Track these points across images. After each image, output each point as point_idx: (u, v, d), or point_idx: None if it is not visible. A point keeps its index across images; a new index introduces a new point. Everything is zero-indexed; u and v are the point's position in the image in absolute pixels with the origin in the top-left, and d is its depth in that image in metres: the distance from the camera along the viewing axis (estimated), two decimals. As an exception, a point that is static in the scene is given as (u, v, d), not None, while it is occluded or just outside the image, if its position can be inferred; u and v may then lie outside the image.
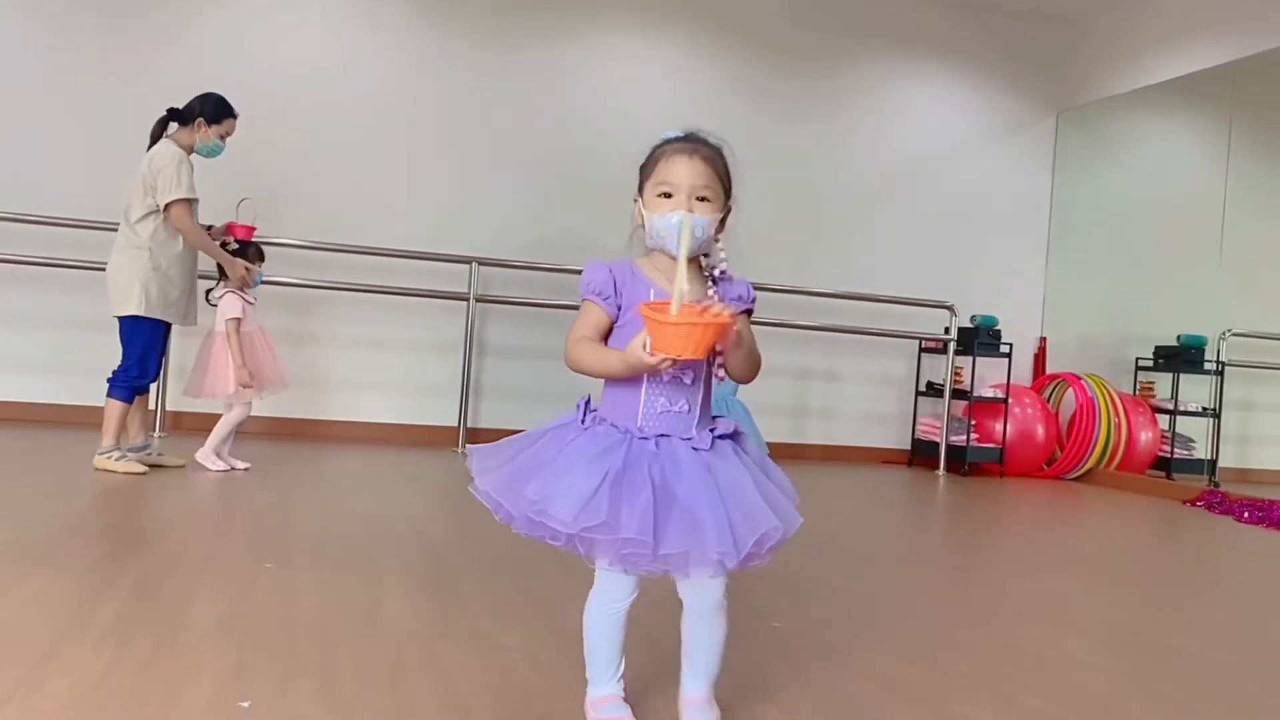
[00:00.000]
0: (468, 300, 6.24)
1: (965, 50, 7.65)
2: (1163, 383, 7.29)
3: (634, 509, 1.57)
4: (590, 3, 6.84)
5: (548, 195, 6.68)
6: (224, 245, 4.67)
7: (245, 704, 1.75)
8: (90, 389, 5.73)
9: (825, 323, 7.05)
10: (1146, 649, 2.70)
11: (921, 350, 7.44)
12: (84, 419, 5.65)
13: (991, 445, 7.08)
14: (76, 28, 6.02)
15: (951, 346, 7.13)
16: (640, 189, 1.78)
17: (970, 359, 7.13)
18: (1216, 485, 6.71)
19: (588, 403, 1.77)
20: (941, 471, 7.02)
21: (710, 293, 1.75)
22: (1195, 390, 7.16)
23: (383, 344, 6.43)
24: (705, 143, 1.77)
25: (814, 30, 7.32)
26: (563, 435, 1.72)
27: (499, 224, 6.61)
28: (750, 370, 1.80)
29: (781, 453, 7.04)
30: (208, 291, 4.70)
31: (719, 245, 1.80)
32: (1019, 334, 7.51)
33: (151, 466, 4.48)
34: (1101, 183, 7.89)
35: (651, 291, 1.74)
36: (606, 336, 1.76)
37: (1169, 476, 7.01)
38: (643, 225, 1.76)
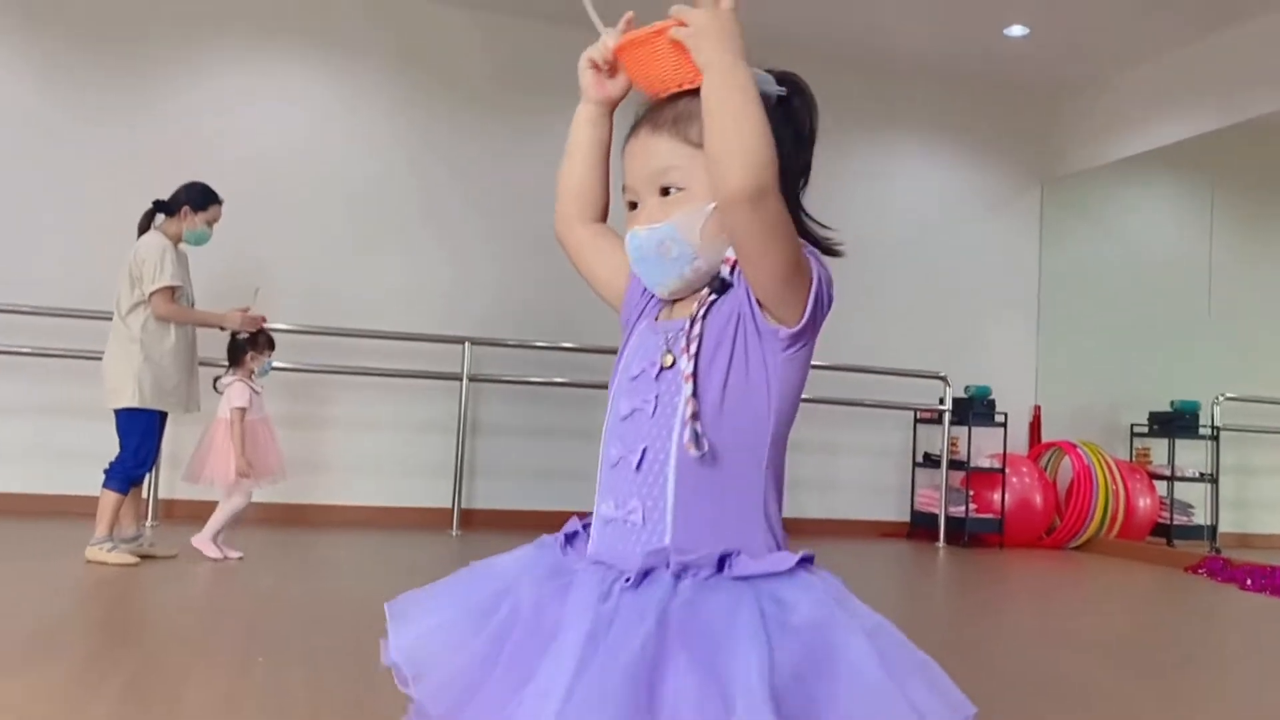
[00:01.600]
0: (461, 380, 6.24)
1: (948, 123, 7.78)
2: (1159, 448, 7.29)
3: (451, 666, 1.06)
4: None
5: (539, 273, 6.73)
6: (234, 334, 4.71)
7: None
8: (72, 477, 5.73)
9: (819, 395, 7.05)
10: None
11: (917, 421, 7.44)
12: (68, 508, 5.59)
13: (990, 516, 7.04)
14: (59, 116, 6.09)
15: (947, 417, 7.13)
16: None
17: (966, 429, 7.13)
18: (1218, 551, 6.66)
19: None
20: (941, 543, 6.97)
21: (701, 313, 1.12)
22: (1192, 455, 7.15)
23: (376, 425, 6.41)
24: (667, 107, 1.14)
25: (800, 108, 7.45)
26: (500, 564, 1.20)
27: (491, 302, 6.64)
28: (734, 135, 1.03)
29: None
30: (215, 379, 4.72)
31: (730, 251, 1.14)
32: (1013, 403, 7.52)
33: (143, 557, 4.43)
34: (1088, 251, 7.97)
35: (644, 323, 1.24)
36: (596, 276, 1.32)
37: (1170, 543, 6.97)
38: None
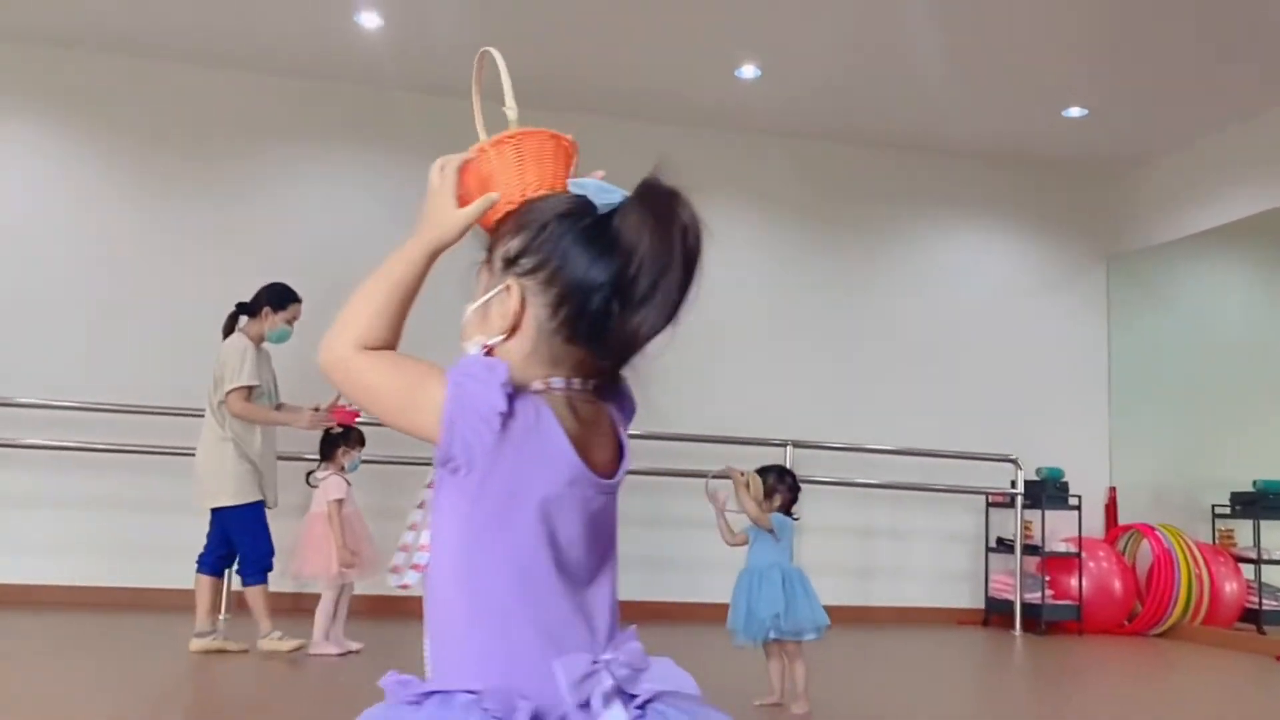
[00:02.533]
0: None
1: (1012, 203, 7.76)
2: (1243, 530, 7.04)
3: None
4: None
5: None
6: (327, 430, 4.84)
7: None
8: (154, 570, 5.87)
9: (887, 479, 6.97)
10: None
11: (989, 505, 7.29)
12: (155, 601, 5.69)
13: (1068, 602, 6.84)
14: (126, 220, 6.36)
15: (1019, 500, 6.98)
16: None
17: (1039, 512, 6.97)
18: (1312, 639, 6.40)
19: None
20: (1018, 631, 6.77)
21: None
22: (1277, 536, 6.91)
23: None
24: None
25: (866, 190, 7.50)
26: None
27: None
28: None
29: (849, 615, 6.85)
30: (308, 473, 4.83)
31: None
32: (1087, 485, 7.34)
33: (212, 651, 4.51)
34: (1158, 328, 7.84)
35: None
36: None
37: (1260, 630, 6.69)
38: None
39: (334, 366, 1.09)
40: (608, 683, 1.01)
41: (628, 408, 1.18)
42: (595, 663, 1.03)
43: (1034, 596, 6.83)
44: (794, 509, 4.06)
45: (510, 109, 1.25)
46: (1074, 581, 6.86)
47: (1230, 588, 6.83)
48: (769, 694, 3.88)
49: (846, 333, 7.33)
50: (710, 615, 6.03)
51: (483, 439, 1.03)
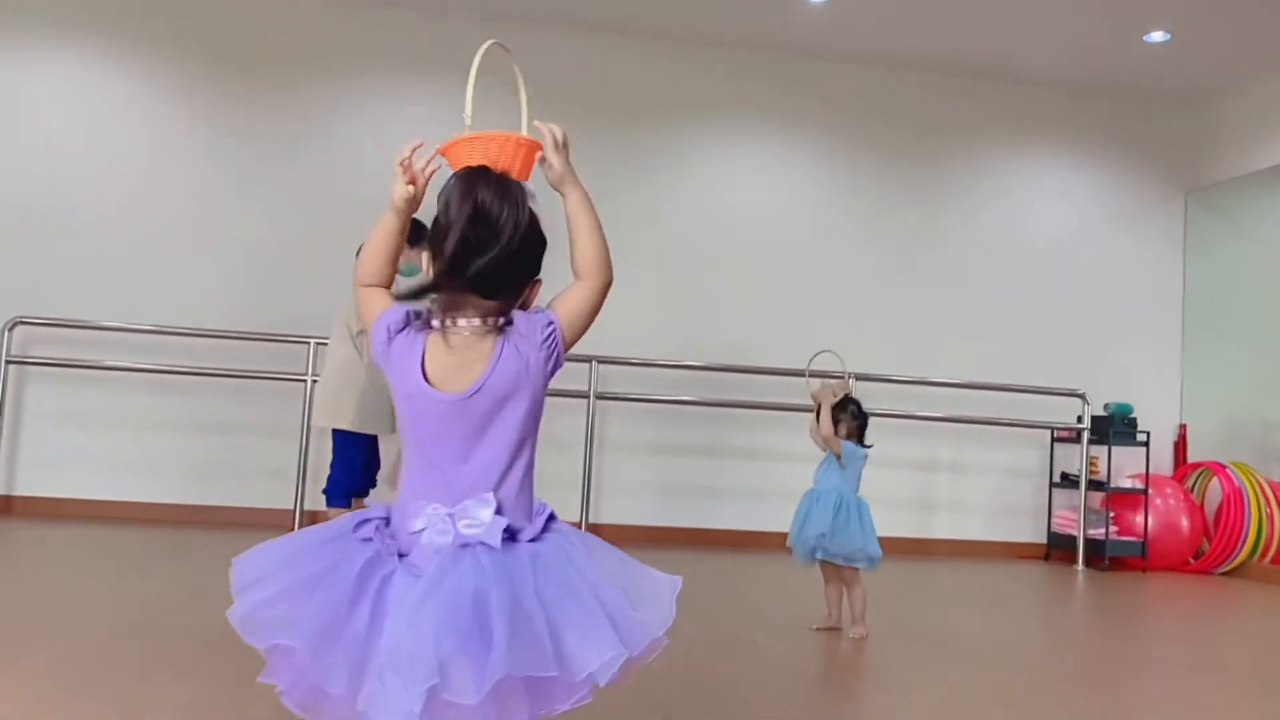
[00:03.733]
0: (588, 398, 6.35)
1: (1088, 133, 7.56)
2: (1317, 469, 6.90)
3: None
4: (702, 105, 7.02)
5: (672, 293, 6.79)
6: None
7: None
8: (229, 490, 6.12)
9: (951, 413, 6.93)
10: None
11: (1054, 440, 7.22)
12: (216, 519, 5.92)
13: (1133, 539, 6.79)
14: (204, 143, 6.48)
15: (1085, 436, 6.91)
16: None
17: (1106, 448, 6.89)
18: (1385, 580, 6.28)
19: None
20: (1080, 566, 6.74)
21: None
22: (1354, 476, 6.75)
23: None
24: None
25: (936, 120, 7.35)
26: None
27: (621, 322, 6.73)
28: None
29: (908, 548, 6.89)
30: None
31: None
32: (1156, 421, 7.23)
33: None
34: (1236, 263, 7.61)
35: None
36: None
37: (1331, 570, 6.58)
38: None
39: (354, 291, 1.71)
40: (439, 523, 1.45)
41: (530, 332, 1.53)
42: (437, 510, 1.46)
43: (1098, 532, 6.78)
44: (865, 439, 4.08)
45: (467, 116, 1.65)
46: (1139, 518, 6.79)
47: (1302, 527, 6.71)
48: (826, 619, 3.93)
49: (915, 265, 7.25)
50: (771, 543, 6.13)
51: (378, 344, 1.59)
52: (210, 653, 2.97)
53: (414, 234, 4.87)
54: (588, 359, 6.37)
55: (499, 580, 1.37)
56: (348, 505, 4.75)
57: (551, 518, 1.54)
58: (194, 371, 6.09)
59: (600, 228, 1.58)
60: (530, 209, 1.52)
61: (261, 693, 2.58)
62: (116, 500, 6.16)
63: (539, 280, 1.59)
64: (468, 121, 1.58)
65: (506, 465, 1.52)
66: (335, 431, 4.74)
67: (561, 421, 6.53)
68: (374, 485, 4.92)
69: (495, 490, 1.49)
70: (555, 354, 1.54)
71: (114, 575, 4.32)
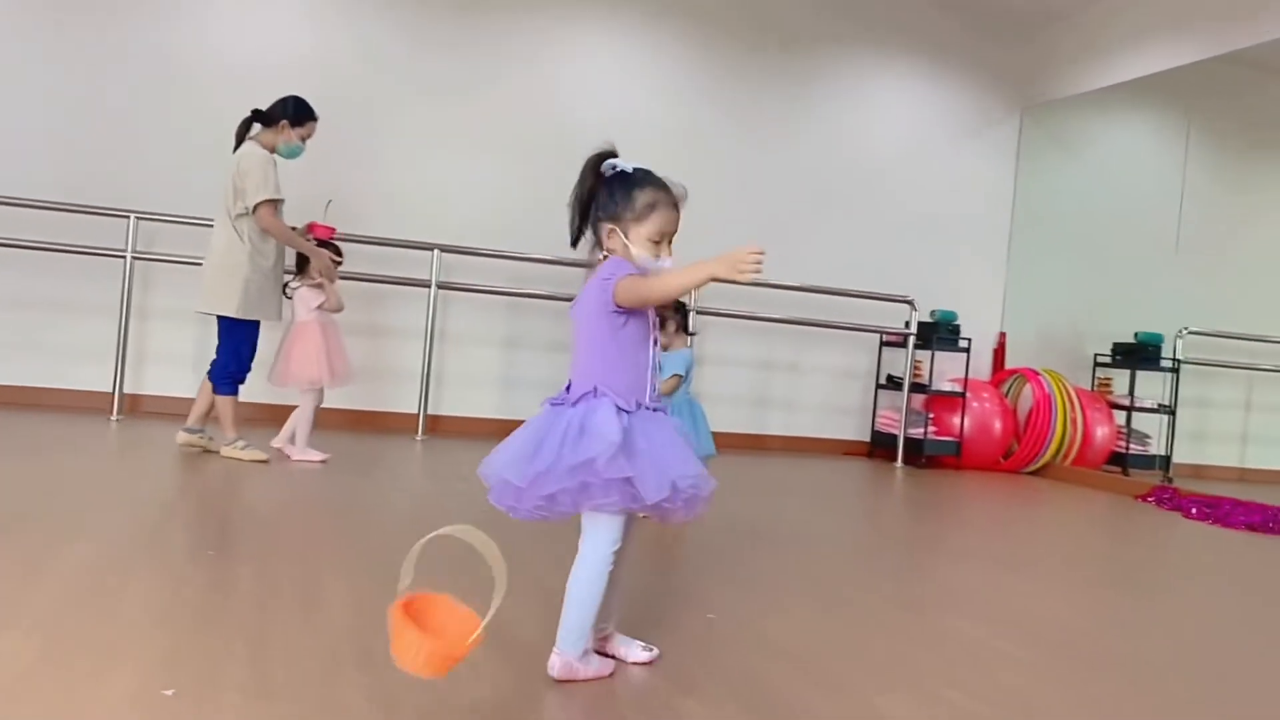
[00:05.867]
0: (429, 287, 6.24)
1: (930, 47, 7.71)
2: (1121, 379, 7.39)
3: (647, 466, 1.99)
4: (558, -9, 6.84)
5: (524, 184, 6.68)
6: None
7: (169, 692, 1.78)
8: (40, 371, 5.79)
9: (789, 315, 7.10)
10: (1075, 645, 2.76)
11: (883, 344, 7.51)
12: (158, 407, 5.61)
13: (949, 439, 7.17)
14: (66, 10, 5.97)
15: (911, 341, 7.21)
16: (617, 216, 2.07)
17: (930, 353, 7.21)
18: (1170, 481, 6.82)
19: (566, 389, 2.10)
20: (899, 464, 7.10)
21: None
22: (1152, 387, 7.27)
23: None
24: (683, 193, 2.13)
25: (776, 24, 7.36)
26: (612, 415, 2.03)
27: (468, 211, 6.60)
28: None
29: (743, 443, 7.11)
30: (284, 284, 4.84)
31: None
32: (979, 329, 7.61)
33: (206, 450, 4.74)
34: (1063, 180, 7.98)
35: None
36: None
37: (1125, 472, 7.11)
38: (623, 250, 2.08)
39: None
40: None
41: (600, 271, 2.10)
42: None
43: (917, 432, 7.14)
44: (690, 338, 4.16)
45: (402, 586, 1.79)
46: (956, 420, 7.17)
47: (1102, 432, 7.22)
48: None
49: (757, 168, 7.32)
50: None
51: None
52: (9, 528, 2.85)
53: (298, 112, 4.67)
54: (430, 247, 6.24)
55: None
56: (235, 393, 4.69)
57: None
58: (6, 243, 5.68)
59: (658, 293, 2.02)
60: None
61: (55, 572, 2.51)
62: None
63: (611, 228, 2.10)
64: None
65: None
66: (220, 318, 4.62)
67: (406, 311, 6.42)
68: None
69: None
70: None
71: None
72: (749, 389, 7.32)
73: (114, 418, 5.70)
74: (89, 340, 5.94)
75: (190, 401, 5.33)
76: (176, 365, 6.12)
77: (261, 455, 4.65)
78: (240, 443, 4.64)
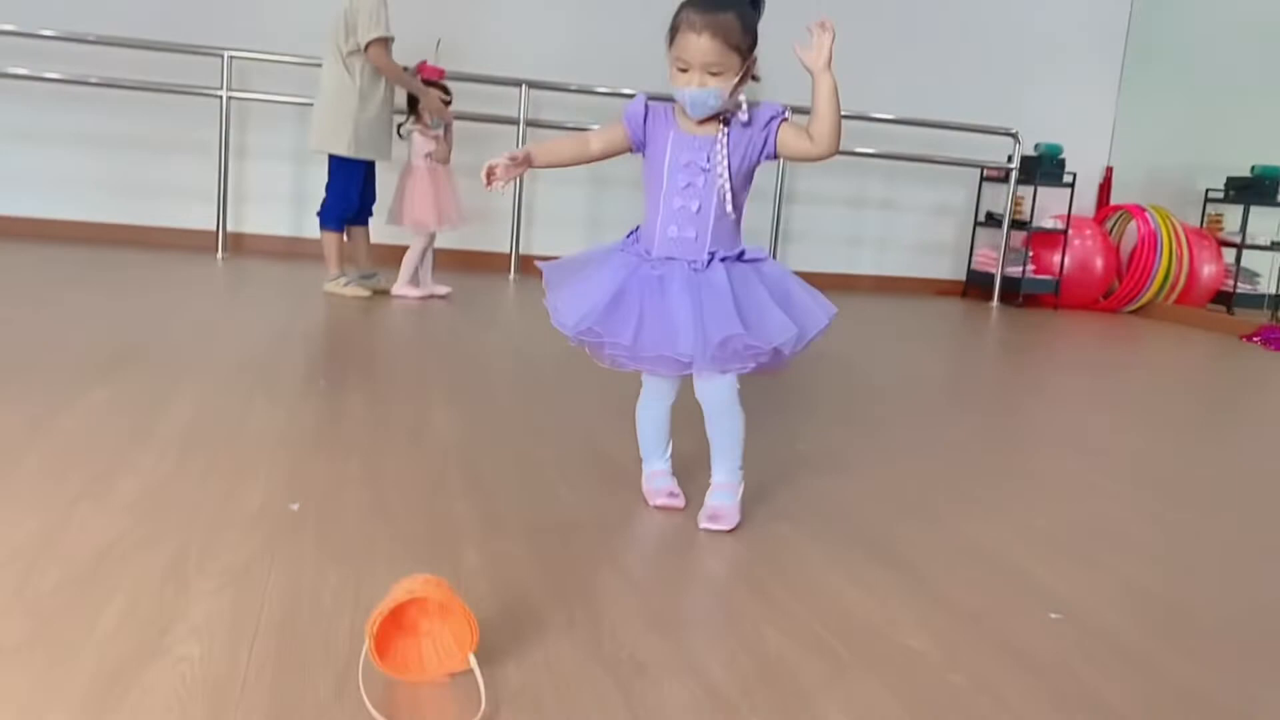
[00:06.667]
0: (517, 124, 6.21)
1: None
2: (1232, 215, 7.08)
3: (621, 320, 1.89)
4: None
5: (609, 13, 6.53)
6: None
7: (295, 506, 1.91)
8: (144, 210, 5.97)
9: (884, 149, 6.92)
10: (1162, 479, 2.76)
11: (983, 179, 7.29)
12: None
13: (1048, 277, 7.01)
14: None
15: (1013, 176, 6.98)
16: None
17: (1032, 189, 6.98)
18: (1278, 321, 6.61)
19: (635, 231, 2.03)
20: (995, 303, 6.99)
21: (722, 135, 1.93)
22: (1265, 223, 6.96)
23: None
24: (717, 13, 1.81)
25: None
26: (606, 257, 2.01)
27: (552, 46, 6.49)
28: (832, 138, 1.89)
29: (833, 283, 7.06)
30: (398, 125, 4.92)
31: (741, 97, 1.91)
32: (1084, 164, 7.31)
33: (375, 292, 4.87)
34: (1183, 8, 7.48)
35: (672, 134, 1.95)
36: (612, 152, 2.02)
37: (1229, 311, 6.90)
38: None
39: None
40: None
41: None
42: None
43: (1015, 270, 6.99)
44: None
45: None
46: (1057, 258, 6.99)
47: (1208, 270, 6.97)
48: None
49: (857, -7, 7.01)
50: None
51: None
52: (128, 362, 3.02)
53: None
54: (517, 83, 6.18)
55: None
56: (340, 230, 4.81)
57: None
58: (106, 84, 5.78)
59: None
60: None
61: (180, 401, 2.67)
62: (20, 217, 5.98)
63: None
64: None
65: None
66: (330, 156, 4.70)
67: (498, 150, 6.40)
68: (370, 214, 4.90)
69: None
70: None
71: (24, 291, 4.29)
72: (840, 227, 7.22)
73: (219, 256, 5.90)
74: (191, 179, 6.10)
75: (295, 241, 5.49)
76: (276, 204, 6.26)
77: (364, 291, 4.78)
78: (342, 279, 4.78)
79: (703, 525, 1.98)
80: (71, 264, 5.10)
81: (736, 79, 1.86)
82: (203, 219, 6.06)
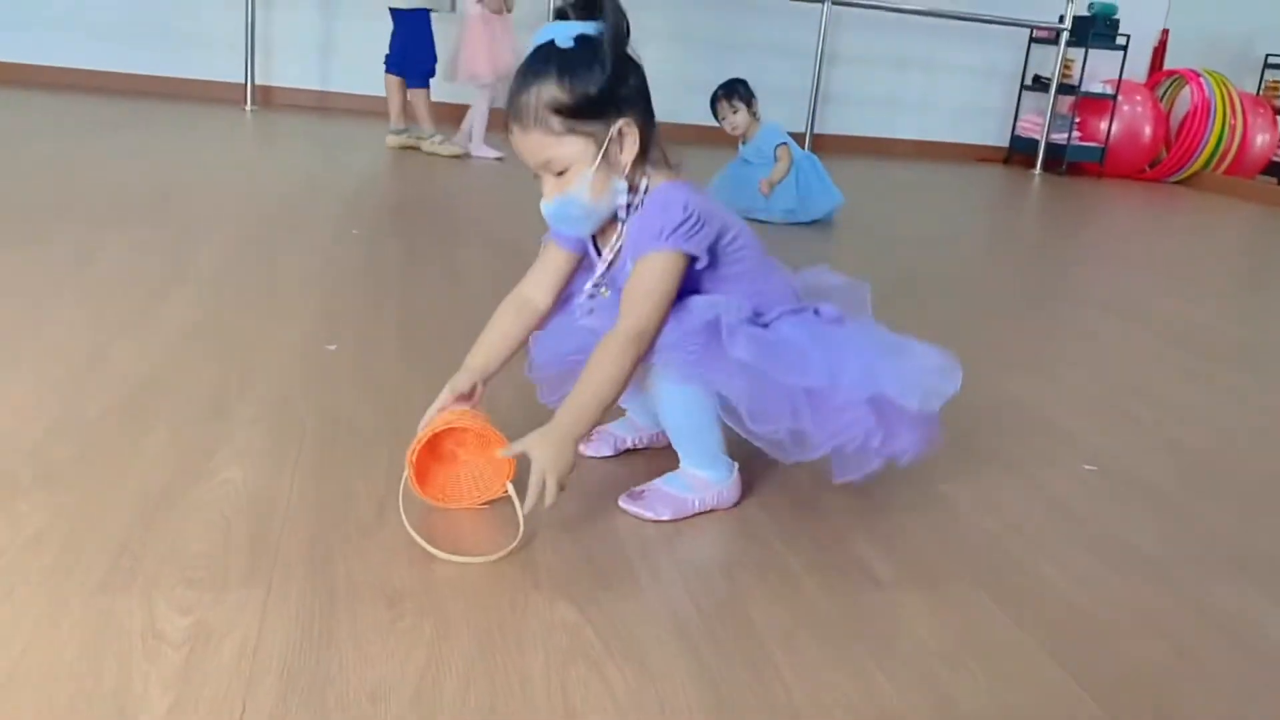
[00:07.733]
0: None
1: None
2: (1292, 82, 6.83)
3: None
4: None
5: None
6: None
7: (332, 347, 1.92)
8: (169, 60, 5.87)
9: (928, 5, 6.65)
10: (1198, 338, 2.72)
11: (1031, 40, 7.02)
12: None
13: (1094, 144, 6.82)
14: None
15: (1064, 37, 6.71)
16: None
17: (1083, 51, 6.72)
18: (1329, 193, 6.43)
19: None
20: (1038, 170, 6.83)
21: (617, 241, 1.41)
22: (1326, 91, 6.71)
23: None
24: (523, 91, 1.28)
25: None
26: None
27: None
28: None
29: (870, 147, 6.91)
30: None
31: (619, 184, 1.34)
32: (1139, 25, 7.01)
33: (405, 148, 4.82)
34: None
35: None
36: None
37: (1279, 182, 6.72)
38: None
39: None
40: None
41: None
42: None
43: (1060, 137, 6.80)
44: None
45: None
46: (1104, 124, 6.78)
47: (1262, 139, 6.77)
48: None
49: None
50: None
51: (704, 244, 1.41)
52: (162, 204, 3.02)
53: None
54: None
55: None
56: (425, 86, 4.76)
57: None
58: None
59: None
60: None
61: (215, 244, 2.67)
62: (36, 65, 5.85)
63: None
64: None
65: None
66: (391, 10, 4.66)
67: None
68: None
69: None
70: None
71: (49, 139, 4.26)
72: (879, 88, 7.00)
73: (248, 108, 5.82)
74: (218, 29, 5.97)
75: (325, 95, 5.40)
76: (303, 56, 6.14)
77: (459, 150, 4.76)
78: (438, 137, 4.75)
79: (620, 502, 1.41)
80: (99, 113, 5.05)
81: (599, 159, 1.30)
82: (229, 70, 5.96)
